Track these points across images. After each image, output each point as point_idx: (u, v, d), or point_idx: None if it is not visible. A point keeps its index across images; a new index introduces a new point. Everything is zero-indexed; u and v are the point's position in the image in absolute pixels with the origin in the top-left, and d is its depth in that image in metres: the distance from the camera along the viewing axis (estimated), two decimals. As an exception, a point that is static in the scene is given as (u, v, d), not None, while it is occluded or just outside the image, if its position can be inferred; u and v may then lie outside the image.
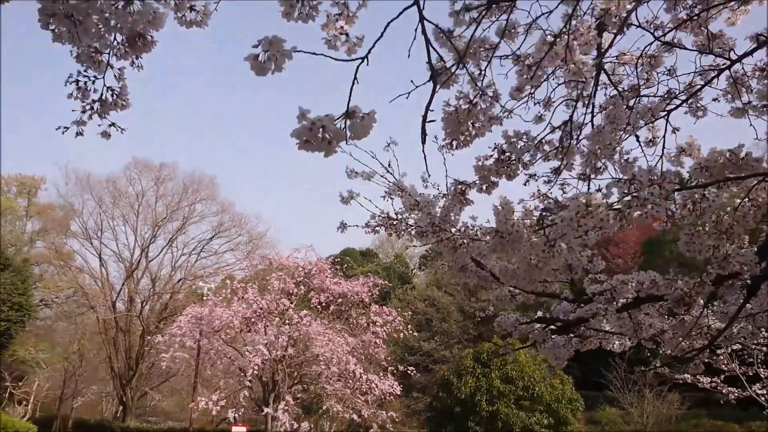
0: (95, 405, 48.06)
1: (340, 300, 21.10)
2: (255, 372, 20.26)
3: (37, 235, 73.36)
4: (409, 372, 22.47)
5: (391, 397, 22.35)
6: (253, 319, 20.33)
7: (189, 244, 35.64)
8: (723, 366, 11.29)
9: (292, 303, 20.52)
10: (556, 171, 3.66)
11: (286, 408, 19.35)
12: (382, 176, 4.20)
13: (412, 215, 4.06)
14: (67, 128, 2.25)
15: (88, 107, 2.20)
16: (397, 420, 21.47)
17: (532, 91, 3.70)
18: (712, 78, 3.63)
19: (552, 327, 4.12)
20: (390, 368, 22.32)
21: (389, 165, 4.19)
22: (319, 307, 20.53)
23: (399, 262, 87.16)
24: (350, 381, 21.51)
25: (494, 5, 3.19)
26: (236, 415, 19.36)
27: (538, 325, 4.23)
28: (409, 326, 21.96)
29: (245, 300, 20.11)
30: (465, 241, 3.50)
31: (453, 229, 3.68)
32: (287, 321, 20.12)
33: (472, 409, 16.35)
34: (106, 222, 35.69)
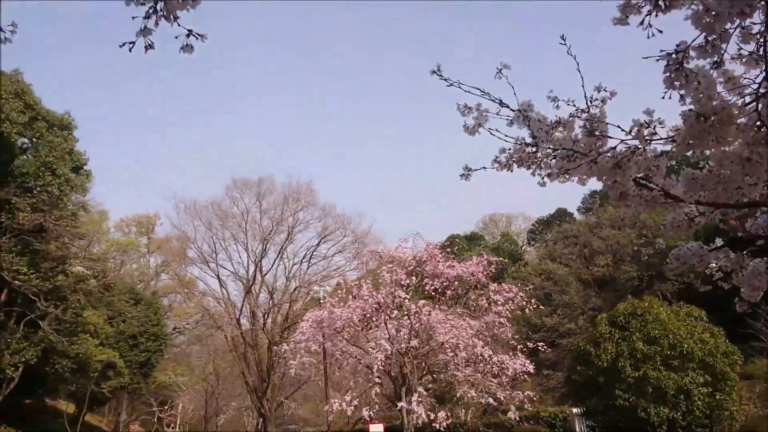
0: (237, 420, 50.50)
1: (456, 283, 20.44)
2: (381, 367, 20.09)
3: (161, 268, 78.38)
4: (539, 348, 21.46)
5: (525, 377, 21.47)
6: (371, 315, 20.14)
7: (298, 253, 36.45)
8: None
9: (407, 294, 20.11)
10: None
11: (420, 400, 18.97)
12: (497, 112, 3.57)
13: (548, 143, 3.38)
14: (133, 43, 1.82)
15: (150, 9, 1.75)
16: (534, 399, 20.57)
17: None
18: None
19: (750, 249, 3.32)
20: (519, 347, 21.43)
21: (501, 101, 3.56)
22: (435, 293, 19.96)
23: (506, 240, 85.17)
24: (480, 365, 20.85)
25: None
26: (371, 412, 19.22)
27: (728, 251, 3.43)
28: (533, 300, 20.93)
29: (361, 297, 19.92)
30: (630, 151, 2.78)
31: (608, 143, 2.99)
32: (406, 312, 19.74)
33: (616, 376, 15.17)
34: (219, 244, 37.20)
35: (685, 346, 14.94)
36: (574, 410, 20.40)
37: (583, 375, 16.05)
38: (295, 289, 35.02)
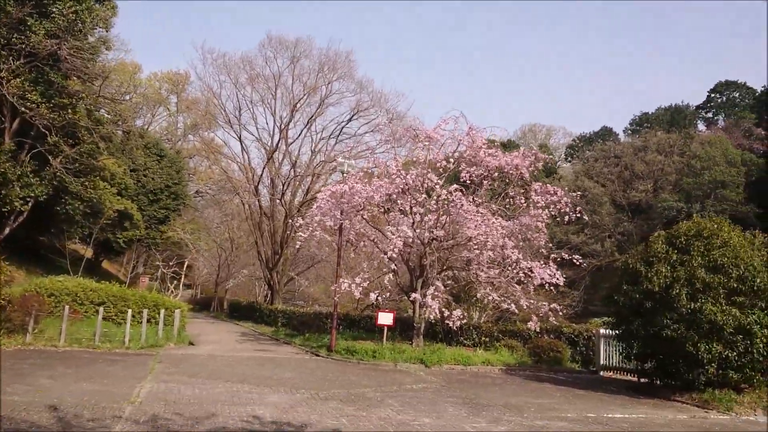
0: (249, 288, 50.69)
1: (495, 175, 18.14)
2: (397, 255, 18.40)
3: (189, 129, 77.12)
4: (574, 261, 19.54)
5: (552, 288, 19.70)
6: (396, 197, 18.19)
7: (327, 127, 34.08)
8: None
9: (439, 179, 18.00)
10: None
11: (437, 294, 17.39)
12: None
13: None
14: None
15: None
16: (560, 313, 18.93)
17: None
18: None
19: None
20: (553, 256, 19.53)
21: None
22: (470, 183, 17.73)
23: (543, 151, 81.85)
24: (508, 268, 19.08)
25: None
26: (380, 298, 17.75)
27: None
28: (578, 208, 18.68)
29: (388, 175, 17.87)
30: None
31: None
32: (435, 198, 17.70)
33: (668, 304, 13.15)
34: (244, 103, 34.74)
35: (758, 280, 12.74)
36: (602, 331, 18.73)
37: (628, 295, 14.07)
38: (319, 163, 32.97)
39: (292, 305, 36.21)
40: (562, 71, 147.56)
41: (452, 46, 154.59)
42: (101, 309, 17.41)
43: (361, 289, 17.74)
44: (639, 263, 14.27)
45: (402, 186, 17.66)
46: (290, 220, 29.41)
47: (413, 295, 18.28)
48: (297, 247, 33.22)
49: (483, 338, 21.11)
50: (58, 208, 29.78)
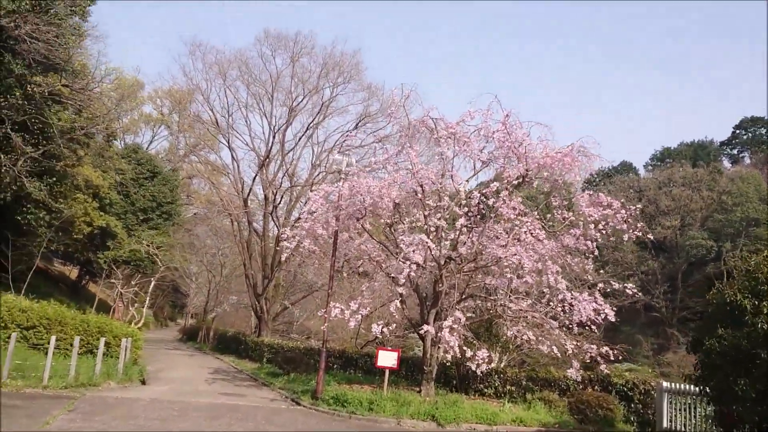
0: (245, 317, 46.49)
1: (538, 176, 14.11)
2: (411, 277, 14.42)
3: (191, 149, 73.91)
4: (628, 290, 15.45)
5: (593, 328, 15.54)
6: (412, 201, 14.29)
7: (330, 138, 30.15)
8: None
9: (467, 181, 14.10)
10: None
11: (456, 327, 13.28)
12: None
13: None
14: None
15: None
16: (619, 357, 14.89)
17: None
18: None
19: None
20: (599, 285, 15.51)
21: None
22: (508, 186, 13.69)
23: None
24: (542, 300, 15.06)
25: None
26: (384, 329, 13.64)
27: None
28: (640, 224, 14.64)
29: (396, 166, 13.94)
30: None
31: None
32: (462, 203, 13.74)
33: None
34: (236, 105, 30.88)
35: None
36: (664, 384, 14.53)
37: (726, 341, 10.01)
38: (319, 175, 28.89)
39: (288, 339, 31.94)
40: (576, 107, 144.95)
41: (472, 63, 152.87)
42: (13, 335, 13.29)
43: (358, 318, 13.70)
44: (743, 296, 10.24)
45: (417, 185, 13.73)
46: (283, 237, 25.35)
47: (425, 327, 14.18)
48: (291, 271, 29.24)
49: (508, 387, 16.95)
50: (19, 218, 26.04)
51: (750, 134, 78.21)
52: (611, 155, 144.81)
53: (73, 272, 54.07)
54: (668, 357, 48.68)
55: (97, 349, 14.98)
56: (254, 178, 29.96)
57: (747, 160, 75.51)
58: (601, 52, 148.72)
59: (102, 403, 11.53)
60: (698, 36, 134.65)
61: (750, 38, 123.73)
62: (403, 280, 14.03)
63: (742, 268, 11.02)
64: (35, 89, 22.99)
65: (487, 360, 13.60)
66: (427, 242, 13.26)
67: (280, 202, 29.93)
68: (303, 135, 29.50)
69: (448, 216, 14.45)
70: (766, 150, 69.86)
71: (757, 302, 9.98)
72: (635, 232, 14.39)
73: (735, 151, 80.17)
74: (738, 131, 79.35)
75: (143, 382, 15.72)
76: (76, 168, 29.95)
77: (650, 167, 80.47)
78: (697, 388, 11.80)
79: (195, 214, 68.38)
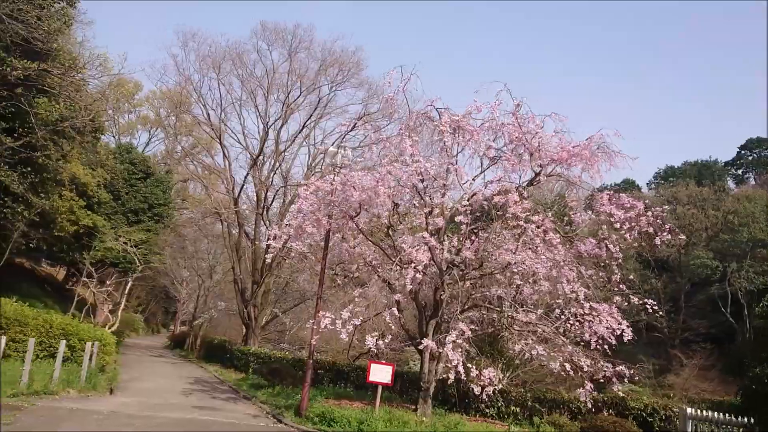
0: (238, 326, 44.94)
1: (553, 173, 12.72)
2: (410, 285, 12.96)
3: (189, 152, 72.63)
4: (647, 306, 14.01)
5: (605, 347, 14.06)
6: (412, 196, 12.89)
7: (328, 138, 28.72)
8: None
9: (473, 179, 12.72)
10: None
11: (459, 342, 11.81)
12: None
13: None
14: None
15: None
16: (636, 376, 13.46)
17: None
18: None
19: None
20: (617, 298, 14.08)
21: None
22: (519, 187, 12.31)
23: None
24: (556, 311, 13.64)
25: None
26: (381, 342, 12.17)
27: None
28: (668, 226, 13.24)
29: (402, 161, 12.52)
30: None
31: None
32: (467, 202, 12.31)
33: None
34: (228, 99, 29.44)
35: None
36: (688, 410, 13.05)
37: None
38: (314, 174, 27.42)
39: (278, 349, 30.35)
40: (579, 126, 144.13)
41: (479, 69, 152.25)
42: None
43: (350, 328, 12.22)
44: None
45: (418, 179, 12.34)
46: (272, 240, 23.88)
47: (424, 341, 12.67)
48: (282, 277, 27.78)
49: (512, 408, 15.47)
50: (-7, 214, 24.56)
51: (755, 155, 77.17)
52: (612, 176, 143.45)
53: (60, 273, 52.41)
54: (670, 379, 47.18)
55: (75, 353, 13.56)
56: (246, 176, 28.58)
57: (752, 181, 74.37)
58: (597, 71, 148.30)
59: (51, 415, 10.02)
60: (697, 54, 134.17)
61: (747, 59, 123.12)
62: (410, 284, 12.49)
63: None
64: (12, 73, 21.63)
65: (495, 381, 12.13)
66: (430, 240, 11.83)
67: (272, 203, 28.50)
68: (299, 133, 28.14)
69: (450, 216, 13.04)
70: (771, 171, 68.75)
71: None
72: (666, 235, 12.99)
73: (740, 172, 79.06)
74: (743, 152, 78.30)
75: (111, 391, 14.22)
76: (61, 163, 28.61)
77: (653, 185, 79.27)
78: (730, 417, 10.36)
79: (190, 218, 66.99)
